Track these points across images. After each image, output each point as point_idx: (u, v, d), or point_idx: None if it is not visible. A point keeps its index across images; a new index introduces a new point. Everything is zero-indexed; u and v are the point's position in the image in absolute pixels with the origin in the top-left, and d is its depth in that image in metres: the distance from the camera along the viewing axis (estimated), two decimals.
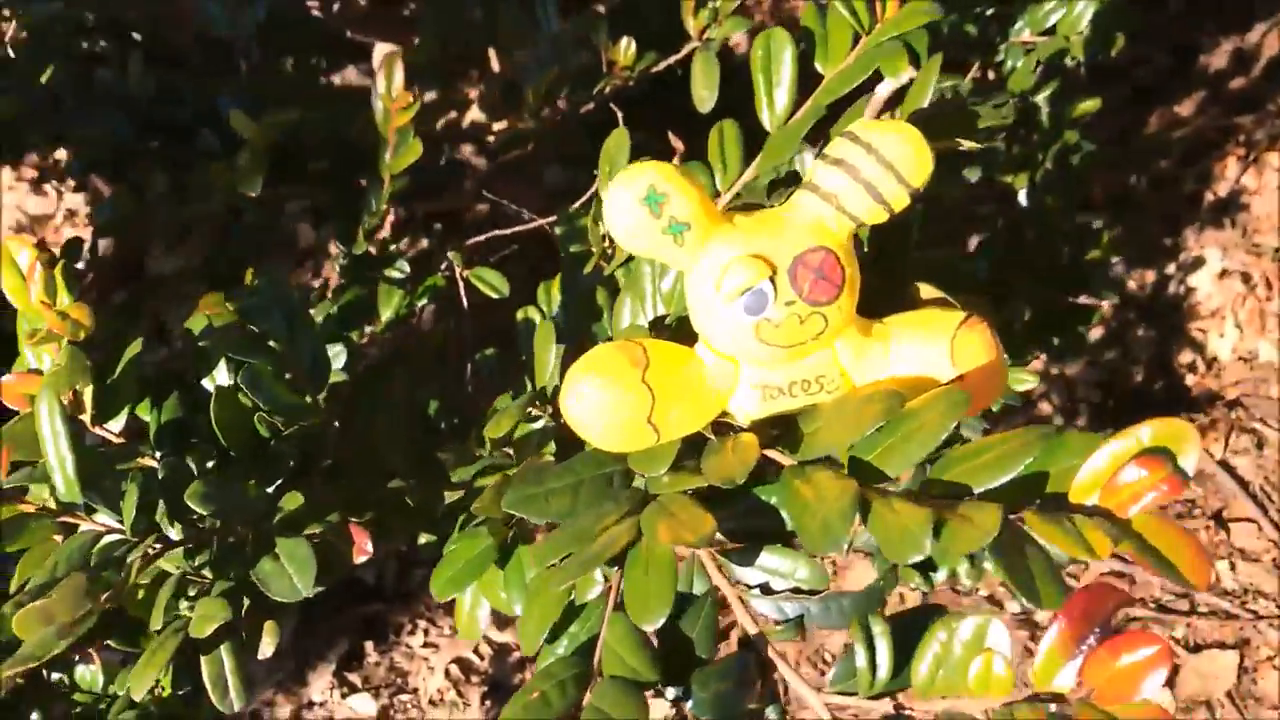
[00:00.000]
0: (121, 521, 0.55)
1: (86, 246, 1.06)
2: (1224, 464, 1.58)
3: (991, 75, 1.13)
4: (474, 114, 1.45)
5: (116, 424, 0.60)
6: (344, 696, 1.55)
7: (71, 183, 1.70)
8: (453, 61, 1.37)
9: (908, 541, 0.40)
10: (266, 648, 0.59)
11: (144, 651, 0.56)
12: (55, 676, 0.74)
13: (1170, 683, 1.44)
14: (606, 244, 0.75)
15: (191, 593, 0.59)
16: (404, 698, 1.55)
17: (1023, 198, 1.12)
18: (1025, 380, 0.96)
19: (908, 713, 0.44)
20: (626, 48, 1.05)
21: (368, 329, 1.03)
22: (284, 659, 1.57)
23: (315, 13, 1.37)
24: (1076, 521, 0.40)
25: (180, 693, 0.71)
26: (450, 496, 0.63)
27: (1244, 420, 1.61)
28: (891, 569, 1.10)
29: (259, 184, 0.93)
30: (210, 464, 0.59)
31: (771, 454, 0.48)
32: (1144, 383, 1.67)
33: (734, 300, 0.46)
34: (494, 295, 0.94)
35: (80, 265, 1.10)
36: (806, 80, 0.61)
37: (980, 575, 1.19)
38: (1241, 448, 1.59)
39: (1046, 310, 1.11)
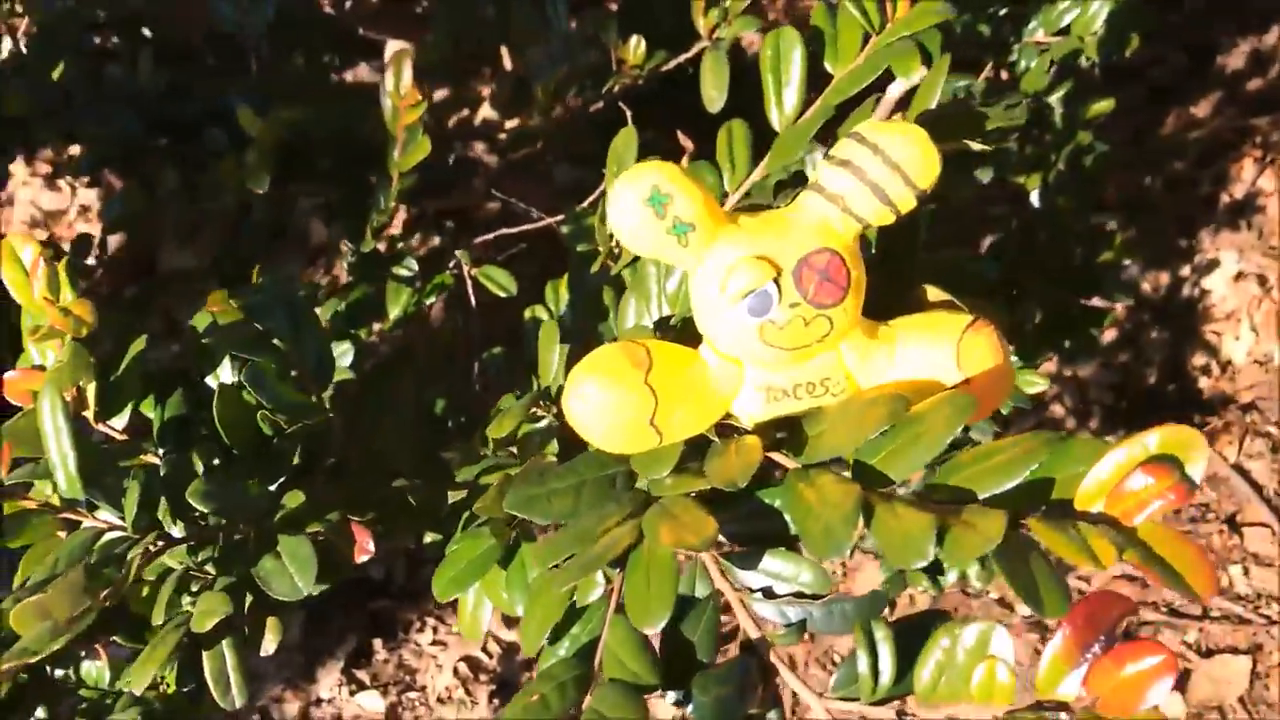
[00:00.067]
0: (123, 518, 0.55)
1: (96, 243, 1.06)
2: (1238, 468, 1.57)
3: (1005, 75, 1.13)
4: (486, 112, 1.45)
5: (120, 421, 0.60)
6: (352, 693, 1.55)
7: (85, 178, 1.71)
8: (465, 59, 1.37)
9: (910, 547, 0.39)
10: (269, 645, 0.59)
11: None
12: (59, 673, 0.74)
13: (1182, 688, 1.43)
14: (613, 243, 0.74)
15: (194, 589, 0.59)
16: (412, 695, 1.55)
17: (1035, 199, 1.12)
18: (1036, 383, 0.95)
19: (910, 719, 0.44)
20: (636, 46, 1.05)
21: (376, 326, 1.03)
22: (292, 655, 1.57)
23: (328, 9, 1.37)
24: (1081, 529, 0.39)
25: (185, 689, 0.71)
26: (454, 496, 0.63)
27: (1258, 424, 1.59)
28: (899, 571, 1.09)
29: (266, 181, 0.93)
30: (213, 461, 0.59)
31: (775, 457, 0.48)
32: (1157, 385, 1.66)
33: (738, 302, 0.46)
34: (502, 294, 0.93)
35: (91, 261, 1.11)
36: (816, 80, 0.61)
37: (990, 578, 1.19)
38: (1255, 451, 1.58)
39: (1058, 312, 1.10)
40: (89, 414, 0.59)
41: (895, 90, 0.58)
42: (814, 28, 0.61)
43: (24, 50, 0.99)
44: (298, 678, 1.57)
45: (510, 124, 1.35)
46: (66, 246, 1.10)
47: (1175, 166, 1.76)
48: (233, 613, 0.54)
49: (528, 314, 0.78)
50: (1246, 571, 1.50)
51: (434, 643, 1.59)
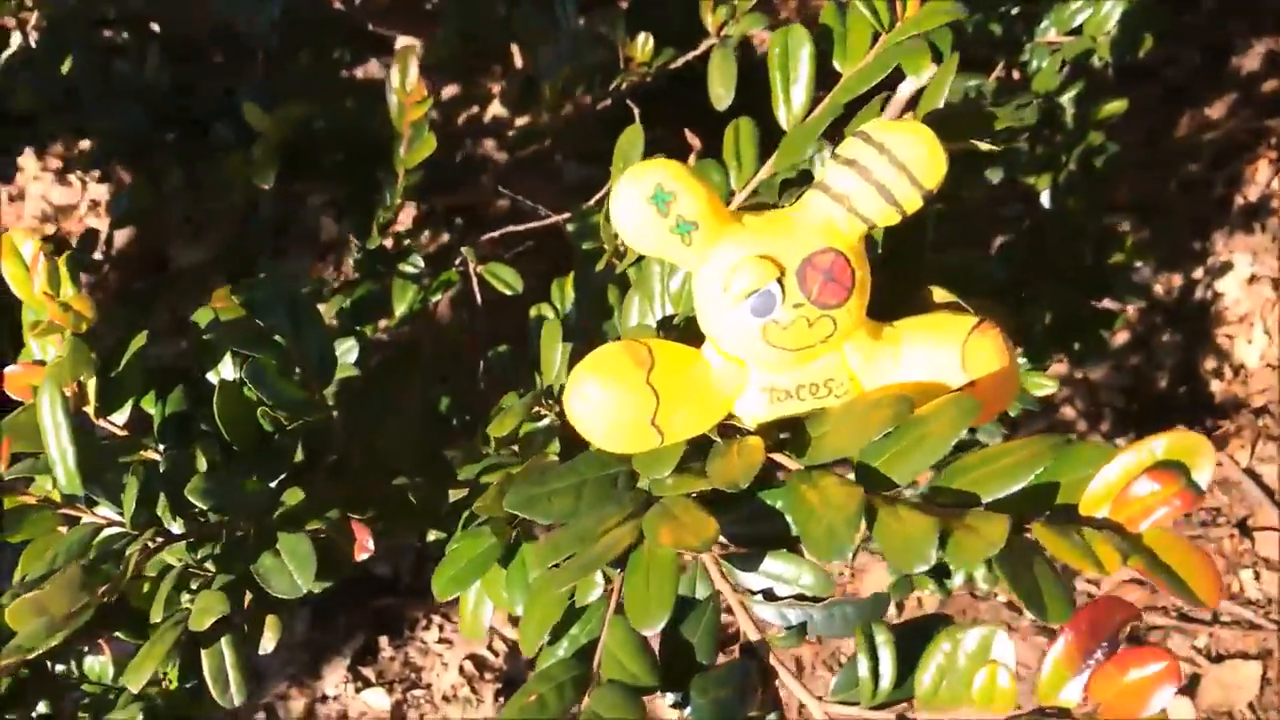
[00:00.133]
0: (122, 514, 0.55)
1: (104, 238, 1.06)
2: (1249, 472, 1.56)
3: (1016, 75, 1.12)
4: (496, 109, 1.45)
5: (121, 416, 0.60)
6: (358, 691, 1.55)
7: (96, 173, 1.71)
8: (475, 56, 1.37)
9: (912, 551, 0.39)
10: (268, 643, 0.59)
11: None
12: (60, 668, 0.74)
13: (1191, 693, 1.42)
14: (619, 241, 0.74)
15: (194, 586, 0.59)
16: (417, 693, 1.55)
17: (1046, 199, 1.11)
18: (1044, 385, 0.94)
19: None
20: (644, 44, 1.04)
21: (383, 323, 1.03)
22: (298, 652, 1.57)
23: (338, 5, 1.37)
24: (1086, 534, 0.39)
25: (187, 686, 0.70)
26: (456, 494, 0.63)
27: (1270, 428, 1.58)
28: (906, 574, 1.09)
29: (272, 177, 0.93)
30: (213, 458, 0.58)
31: (777, 458, 0.47)
32: (1169, 388, 1.65)
33: (741, 301, 0.46)
34: (508, 292, 0.93)
35: (98, 256, 1.11)
36: (826, 79, 0.60)
37: (998, 580, 1.18)
38: (1268, 455, 1.56)
39: (1068, 314, 1.09)
40: (89, 409, 0.59)
41: (906, 89, 0.58)
42: (823, 26, 0.60)
43: (33, 45, 0.99)
44: (303, 674, 1.57)
45: (520, 121, 1.35)
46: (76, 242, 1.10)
47: (1189, 168, 1.75)
48: (231, 611, 0.54)
49: (533, 312, 0.78)
50: (1257, 576, 1.49)
51: (440, 641, 1.58)
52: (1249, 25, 1.79)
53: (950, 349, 0.47)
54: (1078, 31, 1.08)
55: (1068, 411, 1.64)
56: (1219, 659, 1.43)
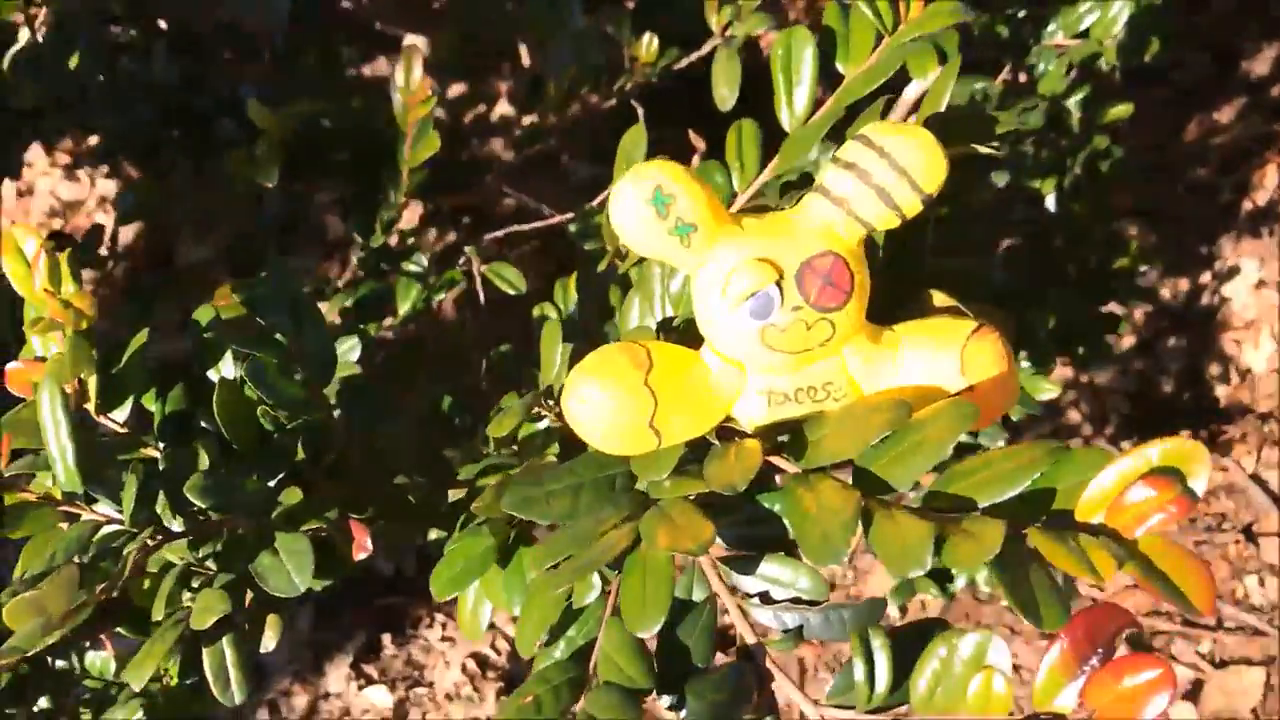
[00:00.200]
0: (122, 512, 0.55)
1: (109, 234, 1.06)
2: (1255, 477, 1.56)
3: (1023, 78, 1.12)
4: (503, 108, 1.45)
5: (121, 414, 0.60)
6: (361, 688, 1.55)
7: (104, 169, 1.71)
8: (482, 55, 1.37)
9: (908, 556, 0.39)
10: (269, 641, 0.59)
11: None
12: (61, 664, 0.75)
13: (1194, 699, 1.42)
14: (620, 242, 0.74)
15: (195, 584, 0.59)
16: (420, 691, 1.55)
17: (1051, 203, 1.11)
18: (1047, 389, 0.94)
19: None
20: (649, 44, 1.04)
21: (387, 322, 1.03)
22: (301, 649, 1.57)
23: (345, 3, 1.37)
24: (1081, 540, 0.39)
25: (188, 683, 0.71)
26: (455, 494, 0.63)
27: (1276, 433, 1.58)
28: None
29: (275, 174, 0.93)
30: (214, 456, 0.58)
31: (775, 461, 0.47)
32: (1175, 393, 1.65)
33: (740, 304, 0.45)
34: (511, 291, 0.93)
35: (104, 252, 1.11)
36: (830, 80, 0.60)
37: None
38: (1273, 461, 1.56)
39: (1073, 317, 1.09)
40: (90, 406, 0.59)
41: (911, 92, 0.58)
42: (825, 27, 0.60)
43: (40, 41, 1.00)
44: (306, 672, 1.57)
45: (527, 120, 1.35)
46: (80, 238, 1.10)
47: (1197, 172, 1.74)
48: (232, 609, 0.54)
49: (536, 312, 0.78)
50: (1262, 582, 1.48)
51: (443, 639, 1.59)
52: (1259, 29, 1.78)
53: (949, 353, 0.47)
54: (1085, 34, 1.07)
55: (1072, 416, 1.64)
56: (1223, 665, 1.43)
